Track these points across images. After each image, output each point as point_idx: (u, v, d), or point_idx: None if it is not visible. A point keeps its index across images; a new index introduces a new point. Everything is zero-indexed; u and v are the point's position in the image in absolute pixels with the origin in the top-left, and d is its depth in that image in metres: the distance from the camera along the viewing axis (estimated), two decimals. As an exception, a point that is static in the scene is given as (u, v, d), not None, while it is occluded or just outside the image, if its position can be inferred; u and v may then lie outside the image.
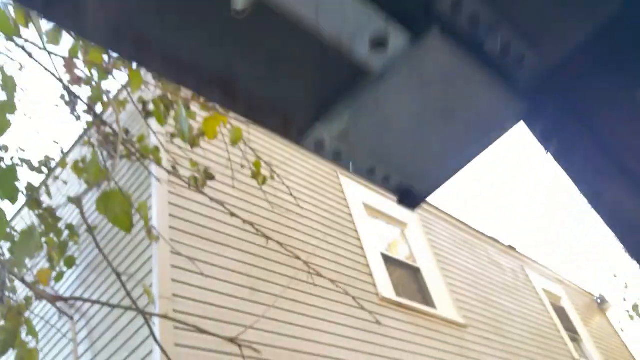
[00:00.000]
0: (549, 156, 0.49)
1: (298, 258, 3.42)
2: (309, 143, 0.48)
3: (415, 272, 7.75)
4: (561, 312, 10.75)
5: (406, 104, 0.44)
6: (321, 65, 0.45)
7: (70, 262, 3.99)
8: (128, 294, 2.82)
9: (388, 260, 7.17)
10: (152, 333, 2.79)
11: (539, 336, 9.02)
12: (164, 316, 2.72)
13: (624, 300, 15.33)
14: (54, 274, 3.74)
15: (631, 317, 14.45)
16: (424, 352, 6.24)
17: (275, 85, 0.46)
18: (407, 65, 0.41)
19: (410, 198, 0.53)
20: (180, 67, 0.42)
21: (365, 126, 0.44)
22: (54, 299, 3.12)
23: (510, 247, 10.78)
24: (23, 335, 3.20)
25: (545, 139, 0.48)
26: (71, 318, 4.37)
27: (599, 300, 13.18)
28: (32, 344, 3.21)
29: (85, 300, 3.30)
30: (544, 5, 0.46)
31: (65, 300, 3.24)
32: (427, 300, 7.38)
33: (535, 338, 8.85)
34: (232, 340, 2.89)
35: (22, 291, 4.01)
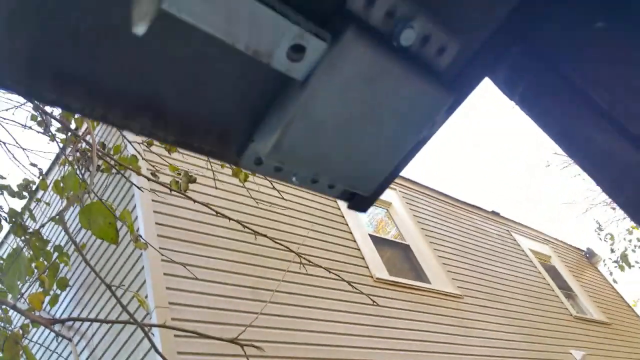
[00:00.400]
0: (516, 108, 0.49)
1: (289, 250, 3.43)
2: (247, 161, 0.48)
3: (405, 249, 7.83)
4: (552, 271, 10.93)
5: (333, 108, 0.44)
6: (246, 78, 0.44)
7: (63, 284, 3.95)
8: (124, 307, 2.80)
9: (377, 241, 7.23)
10: (152, 344, 2.78)
11: (534, 297, 9.17)
12: (162, 325, 2.71)
13: (612, 251, 15.61)
14: (47, 298, 3.70)
15: (621, 268, 14.73)
16: (423, 328, 6.32)
17: (205, 104, 0.45)
18: (327, 69, 0.41)
19: (359, 202, 0.54)
20: (106, 98, 0.41)
21: (297, 136, 0.44)
22: (50, 322, 3.08)
23: (494, 213, 10.91)
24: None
25: (510, 87, 0.49)
26: (70, 340, 4.32)
27: (587, 255, 13.42)
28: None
29: (82, 320, 3.27)
30: None
31: (62, 322, 3.19)
32: (420, 276, 7.46)
33: (531, 300, 9.00)
34: (233, 341, 2.88)
35: (17, 320, 3.96)
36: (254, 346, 3.07)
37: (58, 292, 4.06)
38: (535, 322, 8.46)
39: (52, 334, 4.83)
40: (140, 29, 0.34)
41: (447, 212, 9.45)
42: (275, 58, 0.40)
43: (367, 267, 6.50)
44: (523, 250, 10.56)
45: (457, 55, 0.48)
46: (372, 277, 6.43)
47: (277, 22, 0.38)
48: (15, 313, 3.66)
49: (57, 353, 4.84)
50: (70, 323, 4.76)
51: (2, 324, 3.30)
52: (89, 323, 4.61)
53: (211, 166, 3.89)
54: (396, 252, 7.66)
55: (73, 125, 3.00)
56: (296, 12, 0.40)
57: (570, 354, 8.54)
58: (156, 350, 3.01)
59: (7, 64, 0.37)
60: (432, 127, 0.49)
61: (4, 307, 3.33)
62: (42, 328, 5.22)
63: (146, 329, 3.07)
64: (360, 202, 0.54)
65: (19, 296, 3.34)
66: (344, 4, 0.42)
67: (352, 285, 3.31)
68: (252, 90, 0.45)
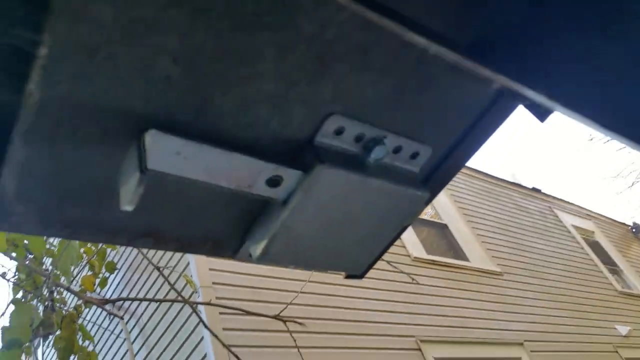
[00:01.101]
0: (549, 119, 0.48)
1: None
2: (242, 257, 0.54)
3: (442, 228, 7.81)
4: (596, 247, 10.69)
5: (312, 222, 0.48)
6: (233, 202, 0.49)
7: (111, 267, 4.18)
8: (172, 286, 2.94)
9: (415, 222, 7.24)
10: (200, 319, 2.91)
11: (577, 273, 9.02)
12: (208, 303, 2.85)
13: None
14: (97, 280, 3.93)
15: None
16: (463, 305, 6.33)
17: (198, 228, 0.51)
18: (304, 193, 0.45)
19: (353, 275, 0.60)
20: (111, 233, 0.47)
21: (282, 246, 0.49)
22: (102, 302, 3.28)
23: (535, 189, 10.70)
24: (80, 341, 3.40)
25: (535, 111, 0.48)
26: (121, 318, 4.56)
27: (634, 230, 13.04)
28: (90, 348, 3.41)
29: (132, 299, 3.46)
30: (422, 107, 0.50)
31: (113, 302, 3.40)
32: (458, 254, 7.44)
33: (574, 276, 8.85)
34: (276, 317, 3.00)
35: (70, 301, 4.22)
36: (296, 322, 3.19)
37: (107, 275, 4.29)
38: (579, 297, 8.33)
39: (104, 313, 5.09)
40: (128, 207, 0.39)
41: (486, 190, 9.34)
42: (255, 188, 0.44)
43: (405, 247, 6.53)
44: (565, 227, 10.35)
45: (431, 156, 0.53)
46: (409, 256, 6.46)
47: (253, 164, 0.43)
48: (69, 294, 3.90)
49: (109, 331, 5.09)
50: (120, 303, 4.99)
51: (59, 305, 3.53)
52: (138, 303, 4.84)
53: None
54: (433, 231, 7.66)
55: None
56: (270, 151, 0.44)
57: (615, 329, 8.39)
58: (205, 325, 3.16)
59: (24, 217, 0.43)
60: (412, 218, 0.54)
61: (59, 289, 3.55)
62: (94, 308, 5.50)
63: (194, 306, 3.24)
64: (354, 275, 0.60)
65: (72, 279, 3.55)
66: (312, 141, 0.46)
67: (390, 264, 3.38)
68: (240, 210, 0.50)
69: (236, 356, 2.79)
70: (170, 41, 0.37)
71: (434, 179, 0.56)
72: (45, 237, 2.74)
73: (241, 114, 0.42)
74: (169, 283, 2.69)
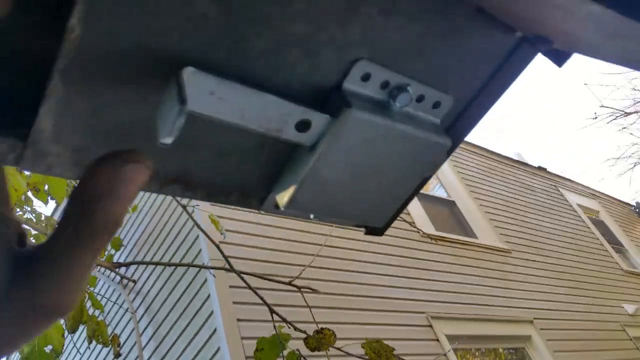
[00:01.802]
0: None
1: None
2: (268, 208, 0.54)
3: (450, 205, 7.76)
4: (601, 226, 10.71)
5: (340, 168, 0.49)
6: (261, 148, 0.50)
7: (117, 244, 4.08)
8: (195, 223, 2.83)
9: (422, 198, 7.18)
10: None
11: (584, 252, 9.02)
12: (222, 268, 2.76)
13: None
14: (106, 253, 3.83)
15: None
16: (471, 281, 6.29)
17: (227, 173, 0.52)
18: (332, 137, 0.46)
19: (374, 230, 0.60)
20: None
21: (309, 193, 0.50)
22: (114, 266, 3.18)
23: (540, 168, 10.69)
24: (90, 311, 3.30)
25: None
26: (134, 282, 4.49)
27: (637, 210, 13.08)
28: (99, 318, 3.32)
29: (145, 263, 3.37)
30: (444, 56, 0.50)
31: (125, 265, 3.32)
32: (467, 231, 7.41)
33: (580, 254, 8.86)
34: (290, 283, 2.91)
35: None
36: (310, 288, 3.10)
37: (112, 252, 4.20)
38: (586, 276, 8.34)
39: (112, 287, 5.01)
40: (168, 140, 0.39)
41: (492, 168, 9.29)
42: (284, 132, 0.45)
43: (414, 223, 6.48)
44: (571, 206, 10.34)
45: (452, 107, 0.53)
46: (418, 232, 6.40)
47: (284, 106, 0.43)
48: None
49: (117, 304, 5.02)
50: (130, 269, 4.90)
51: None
52: (147, 274, 4.75)
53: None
54: (442, 208, 7.61)
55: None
56: (299, 95, 0.45)
57: (622, 307, 8.40)
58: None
59: (58, 158, 0.43)
60: (434, 168, 0.54)
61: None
62: (102, 282, 5.43)
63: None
64: (375, 230, 0.61)
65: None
66: (342, 84, 0.46)
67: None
68: (269, 156, 0.51)
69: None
70: None
71: (456, 128, 0.56)
72: (68, 181, 2.64)
73: (272, 56, 0.42)
74: (195, 222, 2.61)
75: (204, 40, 0.40)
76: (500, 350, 6.42)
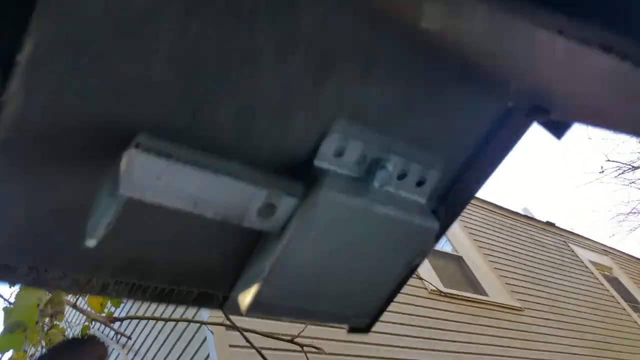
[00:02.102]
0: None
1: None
2: (231, 309, 0.48)
3: (458, 261, 7.57)
4: (616, 283, 10.44)
5: (311, 256, 0.43)
6: (224, 232, 0.45)
7: (117, 302, 3.95)
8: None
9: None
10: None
11: (599, 310, 8.74)
12: (220, 324, 2.63)
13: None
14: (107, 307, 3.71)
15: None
16: (484, 341, 6.04)
17: (186, 261, 0.47)
18: (301, 221, 0.41)
19: (360, 330, 0.54)
20: (95, 265, 0.44)
21: (278, 289, 0.44)
22: (110, 320, 3.05)
23: (549, 223, 10.53)
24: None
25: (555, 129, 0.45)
26: (129, 338, 4.33)
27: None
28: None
29: (141, 318, 3.22)
30: (431, 124, 0.46)
31: (121, 320, 3.19)
32: (476, 288, 7.19)
33: (596, 312, 8.57)
34: (291, 341, 2.76)
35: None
36: (314, 347, 2.94)
37: (112, 309, 4.07)
38: (602, 335, 8.04)
39: (111, 347, 4.81)
40: (91, 242, 0.35)
41: (500, 223, 9.14)
42: (246, 219, 0.40)
43: (421, 279, 6.29)
44: (582, 262, 10.11)
45: (439, 182, 0.47)
46: (426, 289, 6.21)
47: (245, 190, 0.39)
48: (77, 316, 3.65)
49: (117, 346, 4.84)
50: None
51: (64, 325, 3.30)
52: (145, 333, 4.58)
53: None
54: (449, 264, 7.41)
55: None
56: (263, 174, 0.40)
57: (642, 368, 8.04)
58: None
59: None
60: (422, 255, 0.48)
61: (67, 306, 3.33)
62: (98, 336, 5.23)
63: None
64: (359, 329, 0.54)
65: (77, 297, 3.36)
66: (312, 160, 0.42)
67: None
68: (234, 240, 0.46)
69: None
70: (164, 37, 0.34)
71: (444, 207, 0.50)
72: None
73: (239, 120, 0.39)
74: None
75: (161, 108, 0.36)
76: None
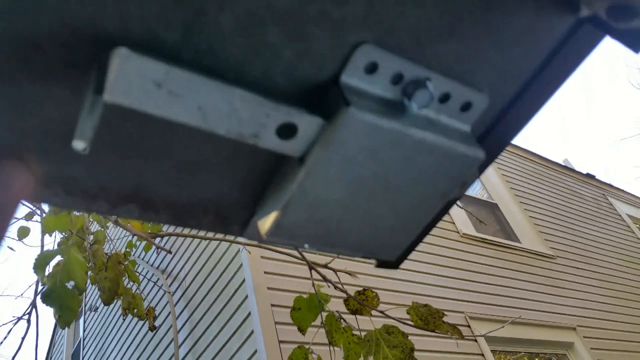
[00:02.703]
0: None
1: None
2: (251, 236, 0.43)
3: (493, 208, 7.56)
4: (652, 237, 10.25)
5: (336, 185, 0.38)
6: (236, 160, 0.40)
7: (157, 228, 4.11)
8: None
9: (463, 199, 7.01)
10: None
11: (632, 262, 8.63)
12: (256, 245, 2.72)
13: None
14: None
15: None
16: (514, 285, 6.10)
17: (195, 190, 0.41)
18: (326, 145, 0.35)
19: (386, 263, 0.48)
20: (91, 196, 0.38)
21: (298, 216, 0.39)
22: (152, 236, 3.19)
23: (589, 175, 10.32)
24: (125, 283, 3.31)
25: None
26: (170, 252, 4.50)
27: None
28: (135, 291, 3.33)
29: (181, 235, 3.36)
30: (476, 44, 0.38)
31: (162, 236, 3.33)
32: (509, 234, 7.20)
33: (628, 265, 8.47)
34: (326, 266, 2.84)
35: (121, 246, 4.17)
36: (348, 272, 3.04)
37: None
38: (633, 287, 7.98)
39: (146, 269, 5.03)
40: (79, 145, 0.30)
41: (538, 172, 9.01)
42: (262, 139, 0.35)
43: (454, 223, 6.33)
44: (620, 215, 9.94)
45: (488, 107, 0.41)
46: (458, 232, 6.25)
47: (260, 104, 0.33)
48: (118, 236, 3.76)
49: (152, 282, 5.06)
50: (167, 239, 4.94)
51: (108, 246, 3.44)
52: (183, 260, 4.74)
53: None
54: (483, 210, 7.41)
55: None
56: (283, 91, 0.35)
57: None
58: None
59: None
60: (461, 187, 0.42)
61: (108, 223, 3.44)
62: (141, 267, 5.49)
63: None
64: (387, 263, 0.49)
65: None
66: (339, 77, 0.36)
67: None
68: (249, 169, 0.41)
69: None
70: None
71: (491, 136, 0.44)
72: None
73: (245, 36, 0.32)
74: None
75: (152, 14, 0.30)
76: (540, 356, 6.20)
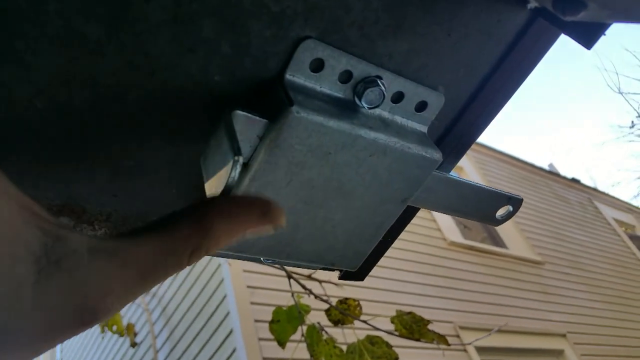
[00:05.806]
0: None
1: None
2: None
3: (479, 215, 7.52)
4: (638, 241, 10.29)
5: (284, 191, 0.36)
6: (176, 164, 0.39)
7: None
8: None
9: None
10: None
11: (620, 267, 8.65)
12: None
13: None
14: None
15: None
16: (503, 292, 6.03)
17: (135, 199, 0.41)
18: (269, 150, 0.33)
19: (350, 275, 0.47)
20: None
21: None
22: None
23: (574, 180, 10.36)
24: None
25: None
26: None
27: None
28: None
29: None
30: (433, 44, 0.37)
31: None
32: (496, 241, 7.15)
33: (616, 269, 8.49)
34: (309, 276, 2.73)
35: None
36: (332, 283, 2.93)
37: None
38: (622, 291, 7.99)
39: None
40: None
41: (523, 177, 9.02)
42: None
43: (440, 230, 6.26)
44: (606, 219, 9.99)
45: (445, 107, 0.40)
46: (445, 240, 6.18)
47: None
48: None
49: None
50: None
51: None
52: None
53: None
54: (470, 217, 7.37)
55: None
56: (222, 88, 0.34)
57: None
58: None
59: None
60: (414, 187, 0.40)
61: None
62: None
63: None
64: (351, 275, 0.47)
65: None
66: (284, 73, 0.34)
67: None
68: (192, 174, 0.39)
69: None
70: None
71: (452, 136, 0.43)
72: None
73: (177, 30, 0.29)
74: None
75: (73, 8, 0.28)
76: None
